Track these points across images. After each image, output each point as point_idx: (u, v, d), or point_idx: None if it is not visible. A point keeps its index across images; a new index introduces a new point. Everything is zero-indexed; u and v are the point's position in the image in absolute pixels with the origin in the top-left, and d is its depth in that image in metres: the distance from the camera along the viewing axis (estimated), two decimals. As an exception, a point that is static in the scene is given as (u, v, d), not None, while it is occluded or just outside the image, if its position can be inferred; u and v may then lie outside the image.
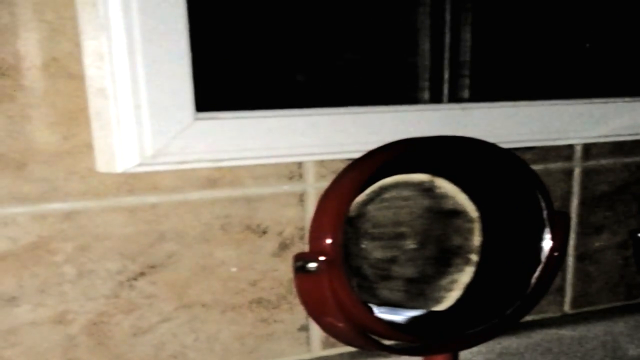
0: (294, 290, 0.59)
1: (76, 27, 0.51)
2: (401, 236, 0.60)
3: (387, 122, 0.61)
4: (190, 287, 0.59)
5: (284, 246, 0.61)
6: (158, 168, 0.54)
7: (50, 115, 0.52)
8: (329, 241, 0.53)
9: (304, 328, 0.64)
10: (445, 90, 0.71)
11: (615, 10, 0.77)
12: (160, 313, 0.58)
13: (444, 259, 0.62)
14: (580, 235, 0.75)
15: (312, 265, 0.53)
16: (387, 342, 0.60)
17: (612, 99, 0.71)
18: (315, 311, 0.57)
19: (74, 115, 0.52)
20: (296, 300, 0.61)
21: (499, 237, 0.62)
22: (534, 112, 0.67)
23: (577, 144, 0.72)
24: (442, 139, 0.60)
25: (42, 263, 0.54)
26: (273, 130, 0.57)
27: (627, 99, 0.71)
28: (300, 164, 0.61)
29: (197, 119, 0.54)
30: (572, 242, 0.75)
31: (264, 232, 0.61)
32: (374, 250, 0.59)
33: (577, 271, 0.76)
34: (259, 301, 0.62)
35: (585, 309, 0.77)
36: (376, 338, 0.58)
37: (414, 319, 0.61)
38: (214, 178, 0.58)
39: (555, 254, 0.62)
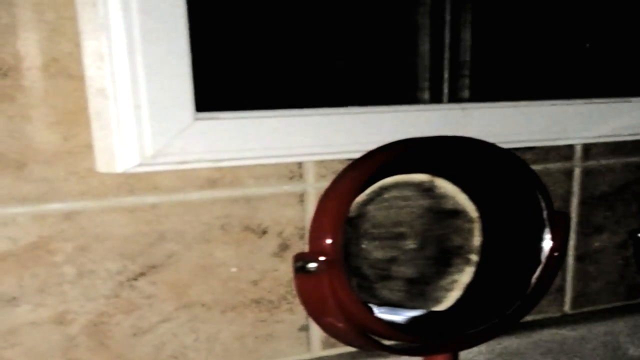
0: (294, 290, 0.59)
1: (76, 27, 0.51)
2: (401, 236, 0.60)
3: (387, 122, 0.61)
4: (191, 287, 0.59)
5: (284, 246, 0.61)
6: (158, 168, 0.54)
7: (50, 115, 0.52)
8: (329, 241, 0.53)
9: (304, 328, 0.64)
10: (445, 90, 0.71)
11: (615, 10, 0.77)
12: (161, 313, 0.58)
13: (444, 259, 0.62)
14: (581, 235, 0.75)
15: (312, 265, 0.53)
16: (387, 342, 0.60)
17: (612, 99, 0.71)
18: (315, 311, 0.57)
19: (74, 115, 0.52)
20: (296, 301, 0.61)
21: (499, 237, 0.62)
22: (534, 112, 0.67)
23: (577, 144, 0.72)
24: (442, 139, 0.60)
25: (42, 263, 0.54)
26: (273, 131, 0.57)
27: (627, 99, 0.71)
28: (300, 164, 0.61)
29: (197, 119, 0.54)
30: (572, 242, 0.75)
31: (264, 232, 0.61)
32: (374, 251, 0.59)
33: (577, 271, 0.76)
34: (259, 301, 0.62)
35: (586, 309, 0.77)
36: (376, 338, 0.58)
37: (414, 319, 0.61)
38: (214, 178, 0.58)
39: (556, 254, 0.62)
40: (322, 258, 0.52)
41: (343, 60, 0.68)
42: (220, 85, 0.60)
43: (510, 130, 0.66)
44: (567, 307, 0.77)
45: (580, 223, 0.75)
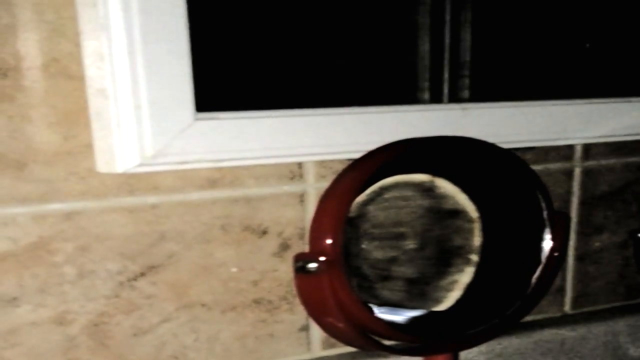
0: (294, 290, 0.59)
1: (76, 27, 0.51)
2: (401, 236, 0.60)
3: (387, 122, 0.61)
4: (191, 288, 0.59)
5: (284, 246, 0.61)
6: (158, 168, 0.54)
7: (51, 115, 0.52)
8: (329, 241, 0.53)
9: (304, 328, 0.64)
10: (445, 91, 0.70)
11: (615, 10, 0.77)
12: (161, 313, 0.58)
13: (444, 259, 0.62)
14: (581, 235, 0.75)
15: (313, 265, 0.53)
16: (387, 343, 0.60)
17: (612, 99, 0.71)
18: (316, 311, 0.57)
19: (74, 115, 0.52)
20: (296, 301, 0.61)
21: (499, 238, 0.62)
22: (534, 112, 0.67)
23: (577, 144, 0.72)
24: (442, 139, 0.60)
25: (42, 263, 0.54)
26: (273, 131, 0.57)
27: (627, 99, 0.71)
28: (300, 164, 0.61)
29: (197, 119, 0.54)
30: (572, 242, 0.75)
31: (264, 233, 0.61)
32: (374, 251, 0.59)
33: (578, 271, 0.76)
34: (259, 301, 0.62)
35: (586, 309, 0.77)
36: (376, 338, 0.58)
37: (414, 319, 0.61)
38: (214, 178, 0.58)
39: (556, 254, 0.62)
40: (322, 258, 0.52)
41: (343, 60, 0.68)
42: (221, 85, 0.60)
43: (511, 130, 0.66)
44: (567, 307, 0.77)
45: (580, 223, 0.75)
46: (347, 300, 0.54)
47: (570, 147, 0.72)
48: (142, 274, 0.57)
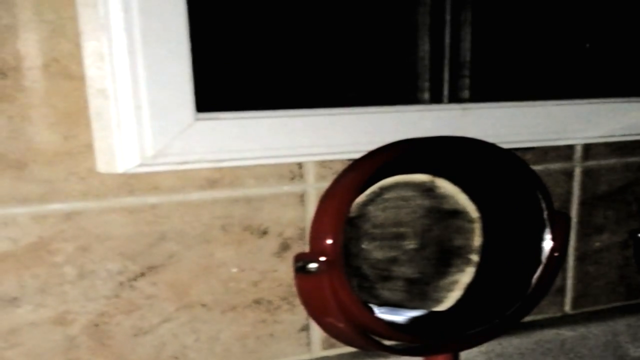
0: (295, 290, 0.59)
1: (76, 27, 0.51)
2: (402, 236, 0.60)
3: (388, 123, 0.61)
4: (191, 288, 0.59)
5: (284, 246, 0.61)
6: (158, 168, 0.54)
7: (51, 115, 0.52)
8: (329, 241, 0.53)
9: (305, 328, 0.64)
10: (446, 91, 0.70)
11: (615, 10, 0.77)
12: (161, 313, 0.58)
13: (445, 260, 0.62)
14: (581, 235, 0.75)
15: (313, 265, 0.53)
16: (387, 343, 0.60)
17: (612, 99, 0.71)
18: (316, 311, 0.57)
19: (75, 115, 0.52)
20: (297, 301, 0.61)
21: (499, 238, 0.62)
22: (534, 112, 0.67)
23: (578, 144, 0.72)
24: (443, 140, 0.60)
25: (42, 263, 0.54)
26: (273, 131, 0.57)
27: (627, 99, 0.71)
28: (300, 165, 0.61)
29: (197, 119, 0.54)
30: (572, 242, 0.75)
31: (265, 233, 0.61)
32: (375, 251, 0.59)
33: (578, 271, 0.76)
34: (259, 302, 0.62)
35: (586, 309, 0.77)
36: (376, 338, 0.58)
37: (414, 319, 0.61)
38: (215, 178, 0.58)
39: (556, 254, 0.62)
40: (322, 258, 0.52)
41: (343, 60, 0.68)
42: (221, 85, 0.60)
43: (511, 130, 0.66)
44: (567, 307, 0.77)
45: (580, 223, 0.75)
46: (348, 300, 0.54)
47: (571, 147, 0.72)
48: (143, 274, 0.57)
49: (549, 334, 0.73)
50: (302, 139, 0.58)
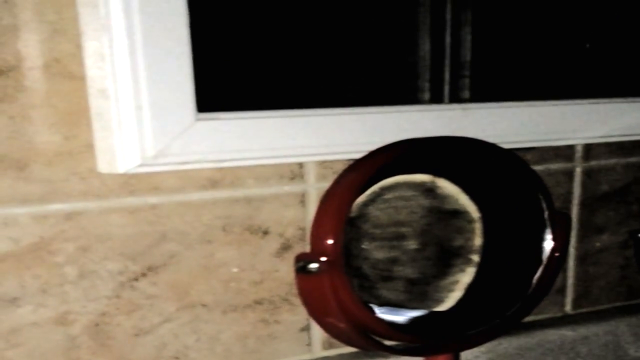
0: (295, 290, 0.59)
1: (77, 27, 0.51)
2: (402, 237, 0.60)
3: (388, 123, 0.61)
4: (192, 288, 0.59)
5: (285, 247, 0.61)
6: (159, 169, 0.54)
7: (52, 115, 0.52)
8: (330, 242, 0.53)
9: (305, 328, 0.64)
10: (446, 91, 0.71)
11: (615, 10, 0.77)
12: (162, 314, 0.58)
13: (445, 260, 0.62)
14: (581, 235, 0.75)
15: (314, 265, 0.53)
16: (388, 343, 0.60)
17: (612, 99, 0.71)
18: (317, 312, 0.57)
19: (75, 115, 0.52)
20: (297, 301, 0.61)
21: (500, 238, 0.62)
22: (535, 112, 0.67)
23: (578, 144, 0.72)
24: (443, 140, 0.60)
25: (43, 264, 0.54)
26: (274, 131, 0.57)
27: (627, 99, 0.71)
28: (301, 165, 0.61)
29: (198, 119, 0.54)
30: (573, 242, 0.75)
31: (265, 233, 0.61)
32: (375, 251, 0.59)
33: (578, 271, 0.76)
34: (260, 302, 0.62)
35: (587, 310, 0.77)
36: (377, 338, 0.58)
37: (415, 320, 0.61)
38: (215, 179, 0.58)
39: (557, 254, 0.62)
40: (323, 258, 0.52)
41: (344, 60, 0.68)
42: (222, 85, 0.60)
43: (511, 130, 0.66)
44: (568, 308, 0.77)
45: (581, 223, 0.75)
46: (348, 301, 0.54)
47: (571, 147, 0.72)
48: (143, 274, 0.57)
49: (549, 334, 0.73)
50: (303, 139, 0.58)
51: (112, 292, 0.56)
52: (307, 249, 0.59)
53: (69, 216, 0.54)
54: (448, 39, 0.69)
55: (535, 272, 0.62)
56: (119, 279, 0.56)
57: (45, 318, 0.55)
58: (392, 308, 0.60)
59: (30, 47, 0.50)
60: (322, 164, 0.61)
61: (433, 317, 0.62)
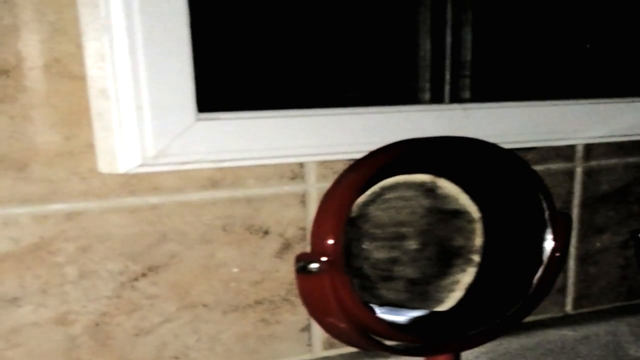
0: (296, 291, 0.59)
1: (78, 28, 0.51)
2: (403, 237, 0.60)
3: (389, 123, 0.61)
4: (192, 288, 0.59)
5: (285, 247, 0.61)
6: (160, 169, 0.54)
7: (52, 115, 0.52)
8: (330, 242, 0.53)
9: (306, 329, 0.64)
10: (447, 91, 0.70)
11: (615, 10, 0.77)
12: (162, 314, 0.58)
13: (446, 260, 0.62)
14: (582, 235, 0.75)
15: (314, 265, 0.53)
16: (388, 343, 0.60)
17: (613, 99, 0.71)
18: (317, 312, 0.57)
19: (76, 116, 0.52)
20: (298, 301, 0.61)
21: (500, 238, 0.62)
22: (535, 112, 0.67)
23: (579, 144, 0.72)
24: (444, 140, 0.60)
25: (43, 264, 0.54)
26: (275, 131, 0.57)
27: (628, 99, 0.71)
28: (301, 165, 0.61)
29: (198, 119, 0.54)
30: (573, 242, 0.75)
31: (266, 233, 0.61)
32: (376, 251, 0.59)
33: (579, 271, 0.76)
34: (260, 302, 0.62)
35: (587, 310, 0.77)
36: (378, 338, 0.58)
37: (415, 320, 0.61)
38: (216, 179, 0.58)
39: (557, 254, 0.62)
40: (323, 258, 0.52)
41: (344, 60, 0.68)
42: (222, 85, 0.60)
43: (512, 130, 0.66)
44: (568, 308, 0.77)
45: (581, 223, 0.75)
46: (349, 301, 0.54)
47: (572, 147, 0.72)
48: (144, 275, 0.57)
49: (550, 334, 0.73)
50: (303, 139, 0.58)
51: (112, 292, 0.56)
52: (308, 249, 0.59)
53: (70, 216, 0.54)
54: (449, 39, 0.69)
55: (535, 272, 0.62)
56: (119, 279, 0.56)
57: (45, 318, 0.55)
58: (392, 308, 0.60)
59: (31, 47, 0.50)
60: (323, 164, 0.61)
61: (433, 317, 0.62)
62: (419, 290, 0.61)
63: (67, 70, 0.51)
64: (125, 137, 0.52)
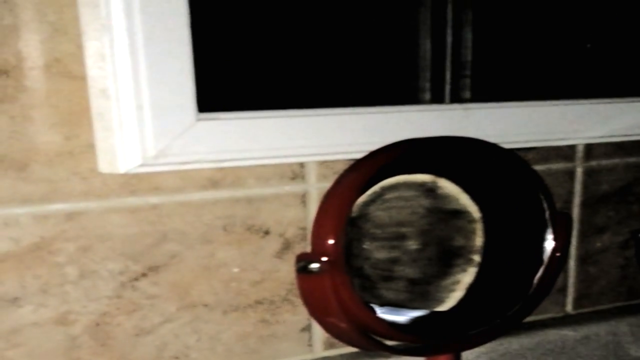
0: (296, 290, 0.59)
1: (78, 27, 0.51)
2: (403, 237, 0.60)
3: (389, 123, 0.61)
4: (193, 288, 0.59)
5: (286, 247, 0.61)
6: (160, 169, 0.54)
7: (53, 115, 0.52)
8: (331, 242, 0.53)
9: (306, 329, 0.64)
10: (447, 91, 0.70)
11: (616, 10, 0.77)
12: (163, 314, 0.58)
13: (446, 260, 0.62)
14: (582, 235, 0.75)
15: (315, 265, 0.53)
16: (389, 343, 0.60)
17: (614, 99, 0.71)
18: (318, 312, 0.57)
19: (76, 115, 0.52)
20: (298, 301, 0.61)
21: (501, 238, 0.62)
22: (536, 112, 0.67)
23: (579, 144, 0.72)
24: (444, 140, 0.60)
25: (44, 264, 0.54)
26: (275, 131, 0.57)
27: (629, 99, 0.71)
28: (302, 165, 0.61)
29: (199, 119, 0.54)
30: (574, 242, 0.75)
31: (266, 233, 0.61)
32: (376, 251, 0.59)
33: (579, 271, 0.76)
34: (261, 302, 0.62)
35: (588, 310, 0.77)
36: (378, 338, 0.58)
37: (416, 320, 0.61)
38: (216, 179, 0.58)
39: (558, 254, 0.62)
40: (324, 258, 0.52)
41: (345, 60, 0.68)
42: (223, 85, 0.60)
43: (512, 130, 0.66)
44: (569, 308, 0.77)
45: (582, 223, 0.75)
46: (349, 301, 0.54)
47: (572, 147, 0.72)
48: (144, 275, 0.57)
49: (550, 334, 0.73)
50: (304, 139, 0.58)
51: (112, 292, 0.56)
52: (308, 249, 0.59)
53: (70, 216, 0.54)
54: (449, 39, 0.69)
55: (536, 272, 0.62)
56: (119, 279, 0.56)
57: (45, 318, 0.55)
58: (393, 308, 0.60)
59: (31, 47, 0.50)
60: (323, 164, 0.61)
61: (434, 317, 0.62)
62: (420, 290, 0.61)
63: (68, 70, 0.51)
64: (126, 137, 0.52)
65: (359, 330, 0.56)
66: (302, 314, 0.63)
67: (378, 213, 0.58)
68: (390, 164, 0.56)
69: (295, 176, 0.61)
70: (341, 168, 0.59)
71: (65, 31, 0.51)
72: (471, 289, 0.62)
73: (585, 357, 0.75)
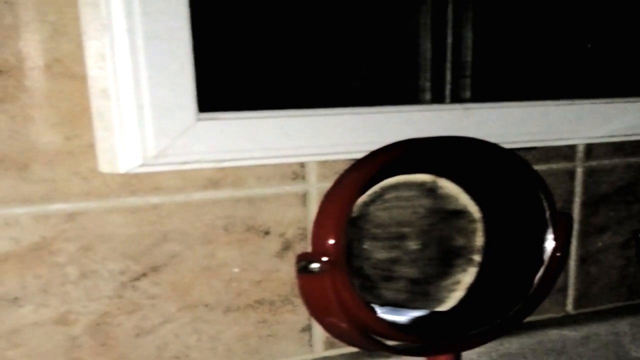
0: (297, 290, 0.59)
1: (78, 27, 0.51)
2: (404, 237, 0.60)
3: (389, 123, 0.61)
4: (193, 288, 0.59)
5: (286, 247, 0.61)
6: (160, 169, 0.54)
7: (53, 115, 0.52)
8: (331, 242, 0.53)
9: (307, 328, 0.64)
10: (447, 91, 0.70)
11: (616, 10, 0.77)
12: (163, 314, 0.58)
13: (447, 260, 0.62)
14: (583, 235, 0.75)
15: (315, 265, 0.53)
16: (389, 343, 0.60)
17: (614, 99, 0.71)
18: (318, 312, 0.57)
19: (77, 115, 0.52)
20: (299, 301, 0.61)
21: (501, 238, 0.62)
22: (536, 112, 0.67)
23: (579, 144, 0.72)
24: (445, 140, 0.60)
25: (44, 264, 0.54)
26: (275, 131, 0.57)
27: (629, 99, 0.71)
28: (302, 165, 0.61)
29: (199, 119, 0.54)
30: (574, 242, 0.75)
31: (267, 233, 0.61)
32: (377, 251, 0.59)
33: (580, 271, 0.76)
34: (261, 302, 0.62)
35: (588, 309, 0.77)
36: (378, 338, 0.58)
37: (416, 320, 0.61)
38: (217, 178, 0.58)
39: (558, 254, 0.62)
40: (324, 258, 0.52)
41: (345, 60, 0.68)
42: (223, 85, 0.60)
43: (512, 130, 0.66)
44: (569, 308, 0.77)
45: (582, 223, 0.75)
46: (350, 301, 0.54)
47: (572, 147, 0.72)
48: (145, 274, 0.57)
49: (550, 334, 0.73)
50: (304, 139, 0.58)
51: (113, 292, 0.56)
52: (309, 249, 0.59)
53: (70, 216, 0.54)
54: (449, 39, 0.69)
55: (536, 272, 0.62)
56: (120, 279, 0.56)
57: (46, 318, 0.55)
58: (393, 308, 0.60)
59: (32, 47, 0.50)
60: (324, 164, 0.61)
61: (434, 317, 0.62)
62: (420, 290, 0.61)
63: (68, 70, 0.51)
64: (126, 137, 0.52)
65: (359, 330, 0.56)
66: (302, 314, 0.63)
67: (378, 213, 0.58)
68: (390, 164, 0.56)
69: (296, 176, 0.61)
70: (341, 168, 0.59)
71: (65, 31, 0.51)
72: (471, 289, 0.62)
73: (585, 357, 0.75)
